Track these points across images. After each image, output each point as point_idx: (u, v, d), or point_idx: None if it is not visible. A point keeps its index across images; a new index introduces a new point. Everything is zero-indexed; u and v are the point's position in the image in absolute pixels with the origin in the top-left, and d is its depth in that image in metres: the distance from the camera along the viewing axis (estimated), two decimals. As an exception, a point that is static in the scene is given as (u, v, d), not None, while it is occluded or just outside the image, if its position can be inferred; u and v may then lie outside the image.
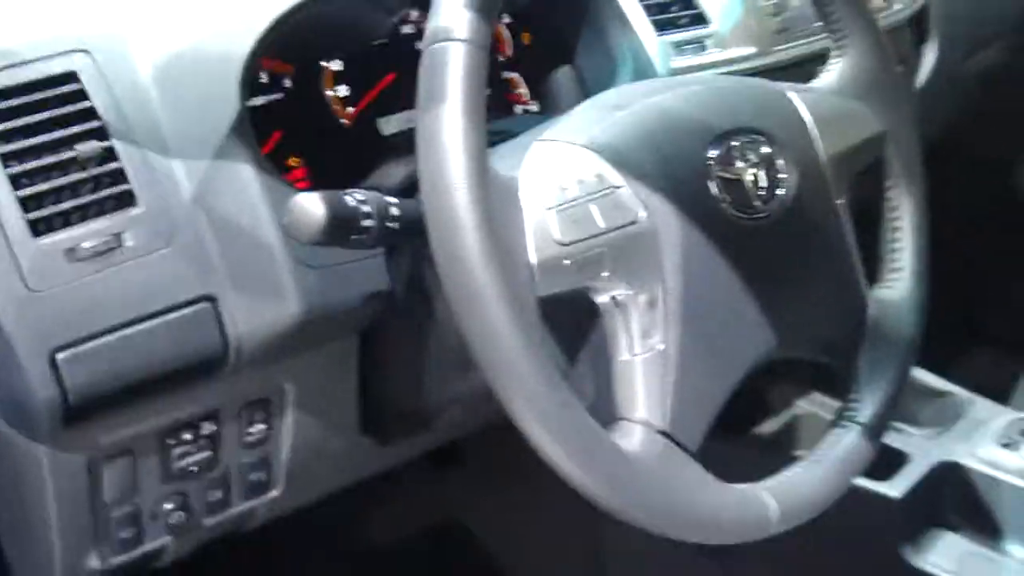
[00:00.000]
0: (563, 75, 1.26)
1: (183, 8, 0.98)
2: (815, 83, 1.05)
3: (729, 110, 0.93)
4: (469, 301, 0.74)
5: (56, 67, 0.93)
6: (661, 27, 1.25)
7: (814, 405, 1.51)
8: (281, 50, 1.05)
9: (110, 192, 0.91)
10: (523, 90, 1.26)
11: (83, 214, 0.90)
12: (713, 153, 0.89)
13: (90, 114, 0.92)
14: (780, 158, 0.93)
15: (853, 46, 1.04)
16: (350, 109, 1.13)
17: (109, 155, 0.92)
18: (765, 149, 0.92)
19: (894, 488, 1.38)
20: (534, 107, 1.26)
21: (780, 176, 0.93)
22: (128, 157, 0.92)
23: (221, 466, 1.05)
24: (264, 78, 1.07)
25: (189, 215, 0.93)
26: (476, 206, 0.73)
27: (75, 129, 0.91)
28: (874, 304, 1.02)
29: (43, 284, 0.87)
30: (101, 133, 0.92)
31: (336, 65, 1.13)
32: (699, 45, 1.27)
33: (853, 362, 1.02)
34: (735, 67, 1.27)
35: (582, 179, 0.83)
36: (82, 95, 0.92)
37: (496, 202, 0.77)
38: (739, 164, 0.90)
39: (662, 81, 1.00)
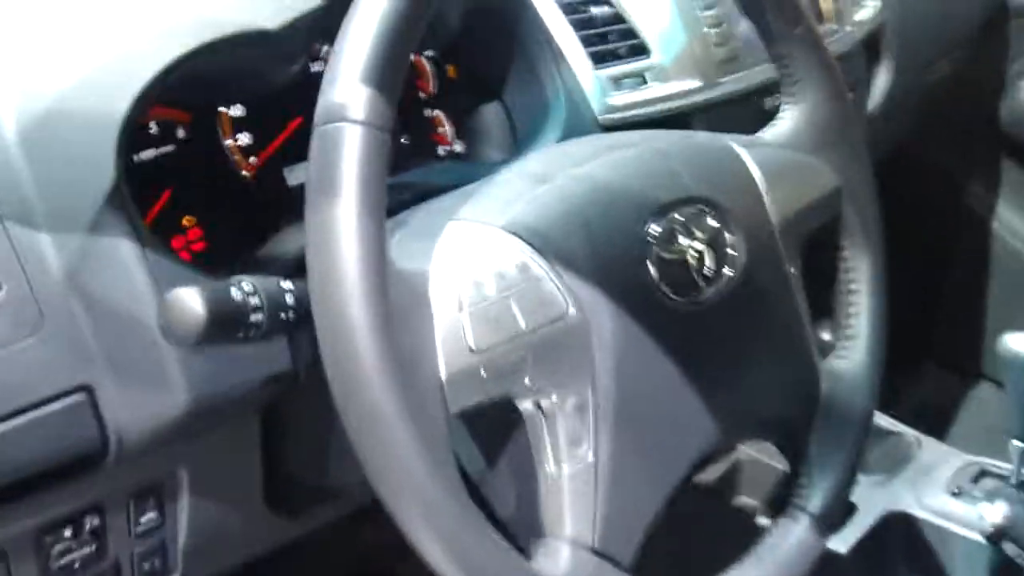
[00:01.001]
0: (491, 113, 1.16)
1: (56, 56, 0.86)
2: (765, 134, 0.95)
3: (669, 177, 0.83)
4: (363, 421, 0.65)
5: None
6: (598, 60, 1.15)
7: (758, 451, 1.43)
8: (173, 96, 0.94)
9: None
10: (447, 129, 1.15)
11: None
12: (652, 230, 0.80)
13: None
14: (727, 231, 0.84)
15: (809, 93, 0.95)
16: (252, 159, 1.02)
17: None
18: (711, 222, 0.83)
19: (841, 543, 1.30)
20: (459, 147, 1.16)
21: (727, 252, 0.84)
22: None
23: (109, 558, 0.94)
24: (153, 128, 0.96)
25: (60, 297, 0.82)
26: (372, 317, 0.63)
27: None
28: (827, 377, 0.94)
29: None
30: None
31: (236, 111, 1.01)
32: (639, 79, 1.17)
33: (803, 443, 0.93)
34: (678, 103, 1.18)
35: (501, 271, 0.73)
36: None
37: (400, 304, 0.67)
38: (681, 241, 0.81)
39: (593, 143, 0.89)
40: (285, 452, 1.00)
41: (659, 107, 1.17)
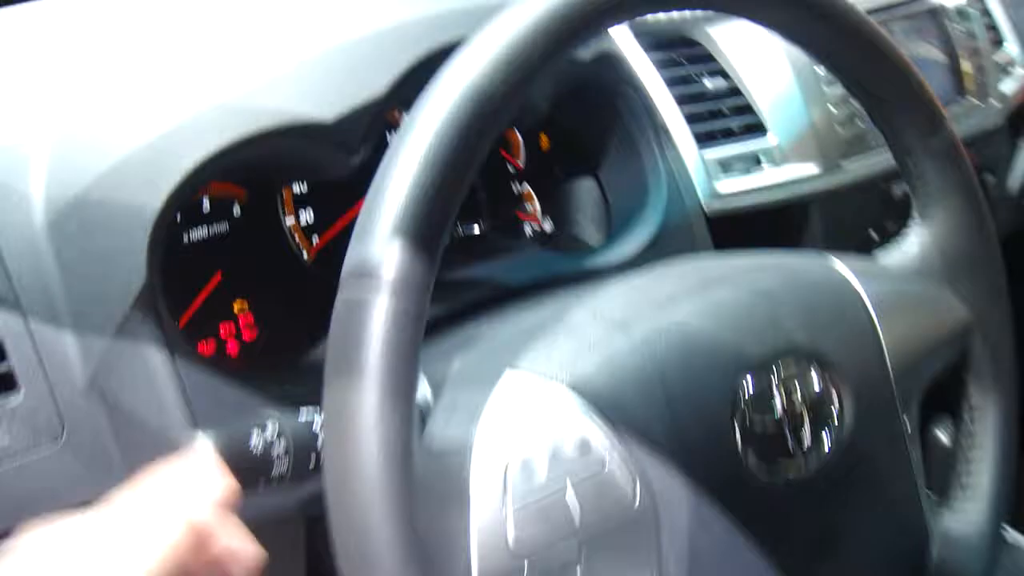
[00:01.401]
0: (585, 190, 1.05)
1: (95, 138, 0.77)
2: (888, 258, 0.82)
3: (771, 326, 0.71)
4: None
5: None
6: (705, 139, 1.04)
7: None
8: (230, 172, 0.86)
9: None
10: (536, 206, 1.05)
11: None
12: (743, 392, 0.68)
13: None
14: (834, 389, 0.72)
15: (943, 216, 0.81)
16: (314, 240, 0.94)
17: None
18: (816, 380, 0.71)
19: None
20: (548, 226, 1.06)
21: (832, 415, 0.72)
22: (9, 330, 0.74)
23: None
24: (207, 206, 0.88)
25: (82, 405, 0.74)
26: (392, 525, 0.53)
27: None
28: (939, 542, 0.81)
29: None
30: None
31: (299, 187, 0.93)
32: (751, 161, 1.05)
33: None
34: (795, 190, 1.06)
35: (558, 448, 0.62)
36: None
37: (432, 489, 0.57)
38: (777, 405, 0.69)
39: (684, 277, 0.75)
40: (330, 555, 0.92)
41: (773, 195, 1.05)
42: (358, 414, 0.53)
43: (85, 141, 0.77)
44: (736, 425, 0.67)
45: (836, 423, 0.71)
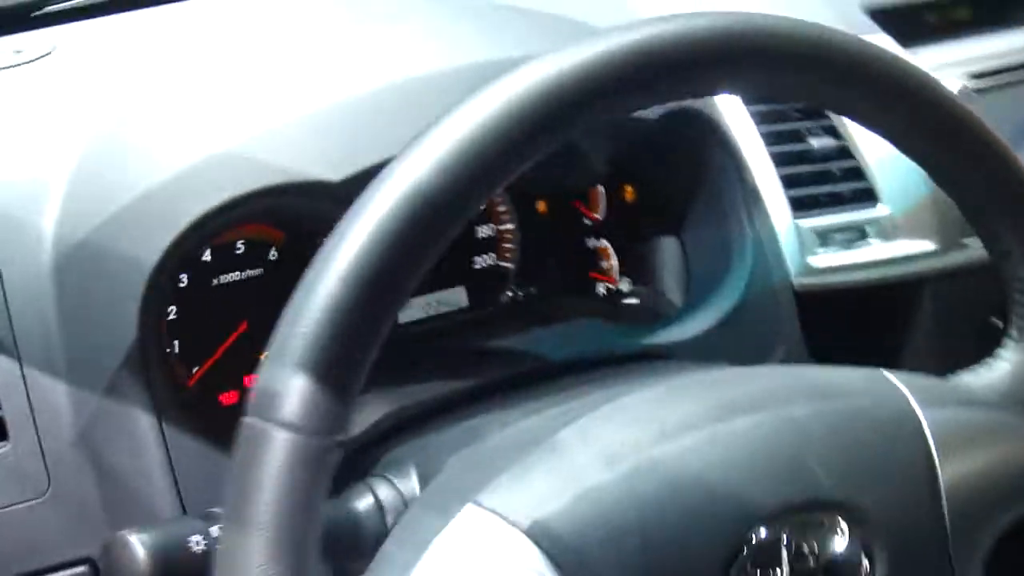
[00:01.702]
0: (669, 252, 0.96)
1: (111, 176, 0.74)
2: (973, 378, 0.70)
3: (793, 468, 0.60)
4: None
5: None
6: (804, 205, 0.93)
7: None
8: (267, 213, 0.81)
9: None
10: (612, 264, 0.97)
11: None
12: (745, 550, 0.57)
13: None
14: (865, 551, 0.59)
15: None
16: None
17: None
18: (841, 540, 0.59)
19: None
20: (624, 286, 0.97)
21: None
22: (4, 376, 0.71)
23: None
24: (241, 248, 0.84)
25: (70, 460, 0.71)
26: None
27: None
28: None
29: None
30: None
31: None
32: (856, 234, 0.94)
33: None
34: (904, 268, 0.94)
35: None
36: None
37: None
38: (783, 572, 0.57)
39: (705, 395, 0.64)
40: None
41: (879, 273, 0.93)
42: (245, 567, 0.46)
43: (99, 181, 0.74)
44: None
45: None
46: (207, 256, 0.82)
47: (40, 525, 0.71)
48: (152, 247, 0.71)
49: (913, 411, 0.64)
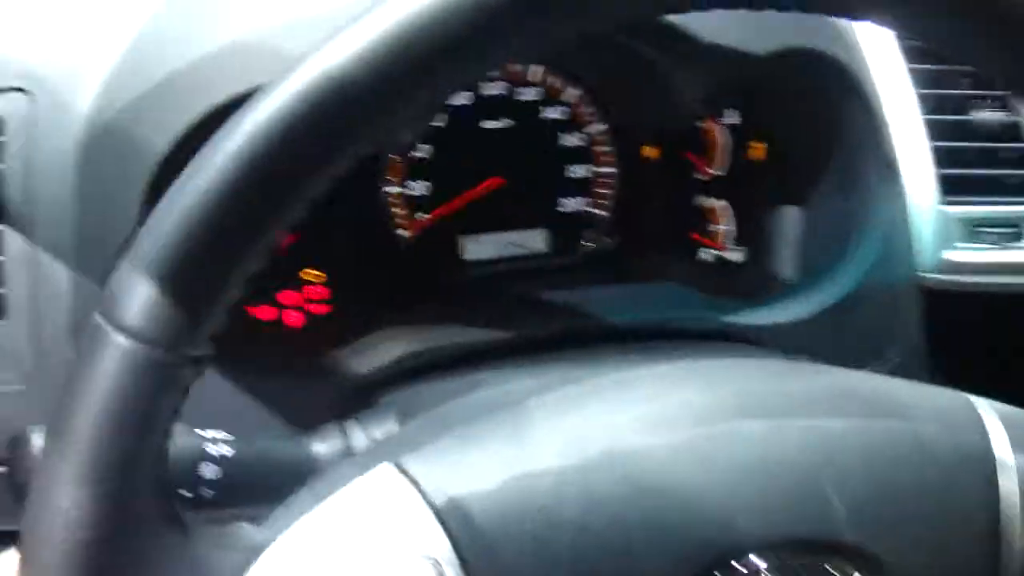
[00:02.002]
0: (789, 222, 0.84)
1: (144, 56, 0.69)
2: None
3: (803, 493, 0.47)
4: None
5: (-21, 110, 0.70)
6: (954, 189, 0.79)
7: None
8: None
9: None
10: (725, 228, 0.85)
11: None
12: None
13: None
14: None
15: None
16: (420, 216, 0.81)
17: None
18: None
19: None
20: (736, 256, 0.85)
21: None
22: (13, 253, 0.68)
23: None
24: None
25: (61, 348, 0.68)
26: None
27: None
28: None
29: None
30: None
31: (422, 151, 0.80)
32: (1012, 232, 0.79)
33: None
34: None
35: None
36: None
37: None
38: None
39: (725, 386, 0.51)
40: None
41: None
42: (40, 486, 0.40)
43: (137, 66, 0.70)
44: None
45: None
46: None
47: (20, 408, 0.68)
48: (166, 132, 0.66)
49: (993, 453, 0.51)
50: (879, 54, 0.80)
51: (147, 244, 0.40)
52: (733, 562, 0.45)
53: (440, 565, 0.44)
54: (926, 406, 0.52)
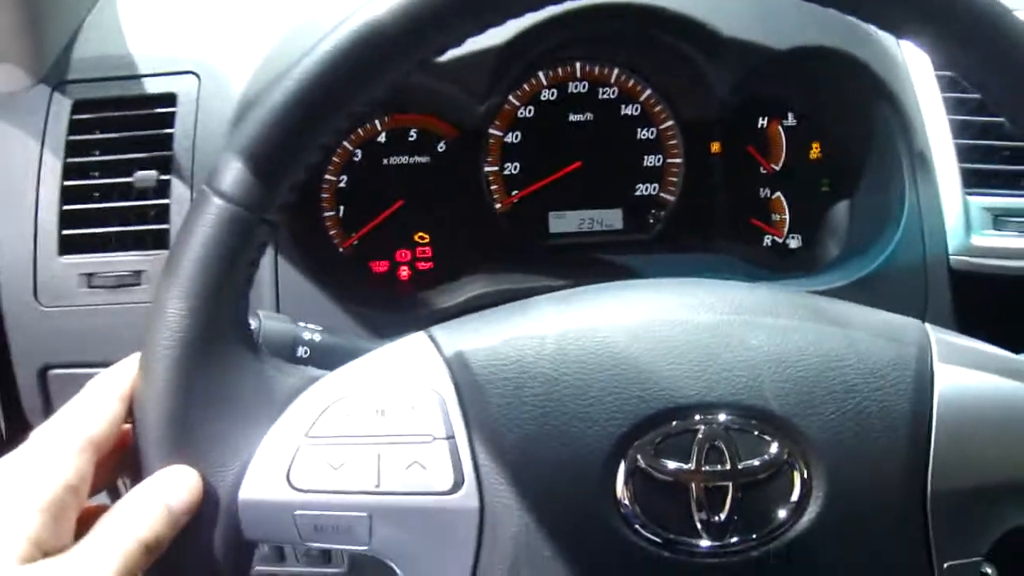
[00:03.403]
0: (838, 213, 0.95)
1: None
2: None
3: (749, 373, 0.57)
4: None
5: (160, 86, 0.89)
6: (977, 182, 0.88)
7: None
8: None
9: (147, 228, 0.86)
10: (784, 218, 0.97)
11: (117, 243, 0.86)
12: (644, 439, 0.56)
13: (166, 142, 0.87)
14: (803, 481, 0.57)
15: None
16: (514, 193, 0.95)
17: (163, 190, 0.86)
18: (766, 448, 0.57)
19: None
20: (793, 243, 0.97)
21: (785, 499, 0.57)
22: (178, 197, 0.86)
23: None
24: (414, 136, 0.94)
25: None
26: (159, 407, 0.56)
27: (144, 155, 0.87)
28: None
29: (53, 302, 0.85)
30: (166, 165, 0.87)
31: (513, 136, 0.95)
32: (1036, 222, 0.87)
33: None
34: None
35: (391, 407, 0.58)
36: (169, 120, 0.88)
37: (238, 401, 0.58)
38: (681, 466, 0.56)
39: (713, 291, 0.62)
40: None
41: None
42: (161, 302, 0.56)
43: (278, 55, 0.88)
44: (624, 472, 0.56)
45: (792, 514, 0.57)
46: (382, 138, 0.94)
47: None
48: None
49: (932, 367, 0.58)
50: (907, 58, 0.90)
51: (239, 133, 0.57)
52: (672, 421, 0.56)
53: (443, 397, 0.58)
54: (874, 322, 0.61)
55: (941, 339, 0.60)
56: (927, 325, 0.61)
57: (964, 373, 0.59)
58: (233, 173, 0.56)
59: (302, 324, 0.73)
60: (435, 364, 0.58)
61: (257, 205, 0.57)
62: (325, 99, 0.56)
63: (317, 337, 0.73)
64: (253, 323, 0.70)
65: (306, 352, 0.72)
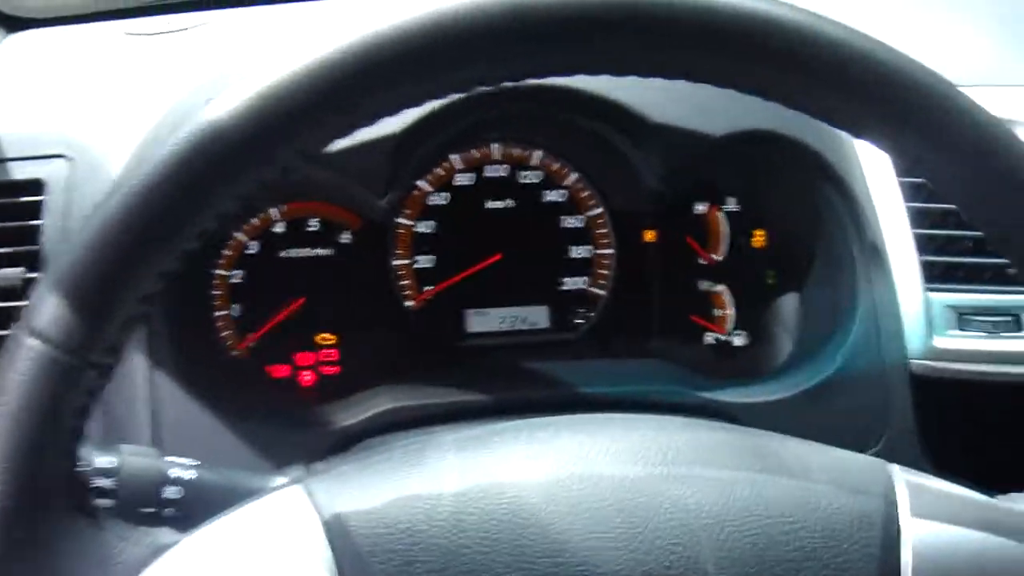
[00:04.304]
0: (787, 308, 0.85)
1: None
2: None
3: (685, 540, 0.47)
4: None
5: (28, 172, 0.80)
6: (939, 276, 0.79)
7: None
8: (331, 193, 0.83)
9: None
10: (728, 313, 0.87)
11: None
12: None
13: (34, 235, 0.78)
14: None
15: None
16: (426, 289, 0.86)
17: (30, 288, 0.77)
18: None
19: None
20: (739, 340, 0.87)
21: None
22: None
23: None
24: (315, 225, 0.84)
25: None
26: None
27: (9, 249, 0.78)
28: None
29: None
30: (34, 260, 0.77)
31: (424, 226, 0.85)
32: (1009, 320, 0.78)
33: None
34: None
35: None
36: (36, 210, 0.78)
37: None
38: None
39: (646, 436, 0.51)
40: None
41: (1019, 370, 0.77)
42: None
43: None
44: None
45: None
46: (279, 228, 0.84)
47: None
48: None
49: (899, 522, 0.49)
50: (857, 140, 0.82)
51: (59, 262, 0.47)
52: None
53: (318, 573, 0.47)
54: (833, 468, 0.51)
55: (913, 485, 0.50)
56: (893, 468, 0.51)
57: (939, 529, 0.49)
58: (51, 309, 0.46)
59: (171, 460, 0.63)
60: (311, 529, 0.48)
61: (80, 346, 0.46)
62: (161, 218, 0.46)
63: (190, 474, 0.63)
64: (112, 461, 0.60)
65: (179, 492, 0.62)
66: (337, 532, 0.47)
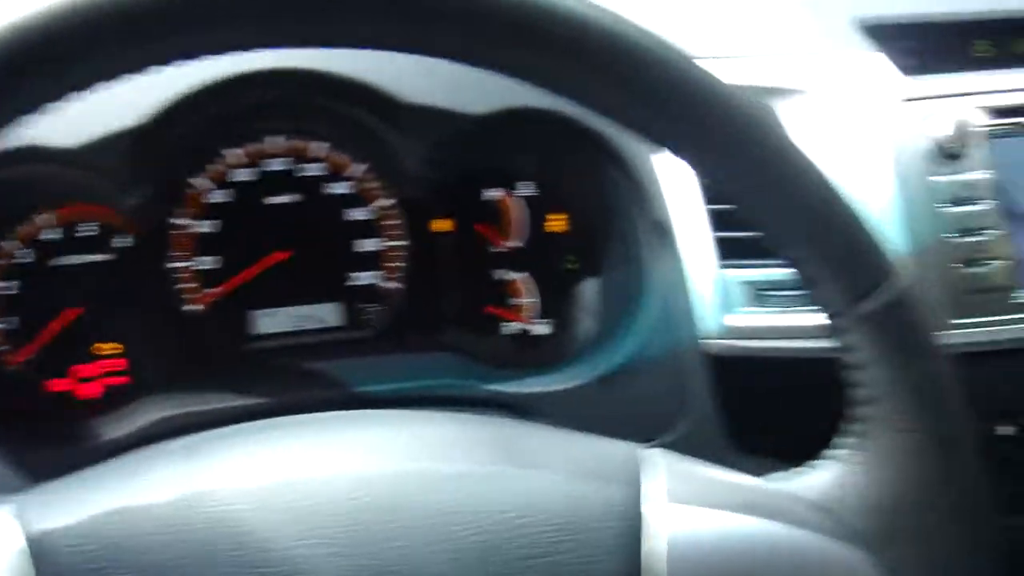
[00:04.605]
0: (589, 293, 0.82)
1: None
2: (791, 482, 0.50)
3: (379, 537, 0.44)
4: None
5: None
6: (735, 252, 0.76)
7: None
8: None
9: None
10: (529, 302, 0.84)
11: None
12: None
13: None
14: None
15: (883, 434, 0.47)
16: (208, 291, 0.82)
17: None
18: None
19: None
20: (543, 329, 0.84)
21: None
22: None
23: None
24: (86, 230, 0.80)
25: None
26: None
27: None
28: None
29: None
30: None
31: (207, 226, 0.81)
32: (803, 296, 0.75)
33: None
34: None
35: None
36: None
37: None
38: None
39: (374, 428, 0.49)
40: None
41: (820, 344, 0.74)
42: None
43: None
44: None
45: None
46: (50, 234, 0.80)
47: None
48: None
49: (638, 507, 0.45)
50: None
51: None
52: None
53: None
54: (579, 456, 0.48)
55: (672, 470, 0.47)
56: (648, 453, 0.48)
57: (696, 513, 0.46)
58: None
59: None
60: (15, 550, 0.44)
61: None
62: None
63: None
64: None
65: None
66: (44, 551, 0.43)
